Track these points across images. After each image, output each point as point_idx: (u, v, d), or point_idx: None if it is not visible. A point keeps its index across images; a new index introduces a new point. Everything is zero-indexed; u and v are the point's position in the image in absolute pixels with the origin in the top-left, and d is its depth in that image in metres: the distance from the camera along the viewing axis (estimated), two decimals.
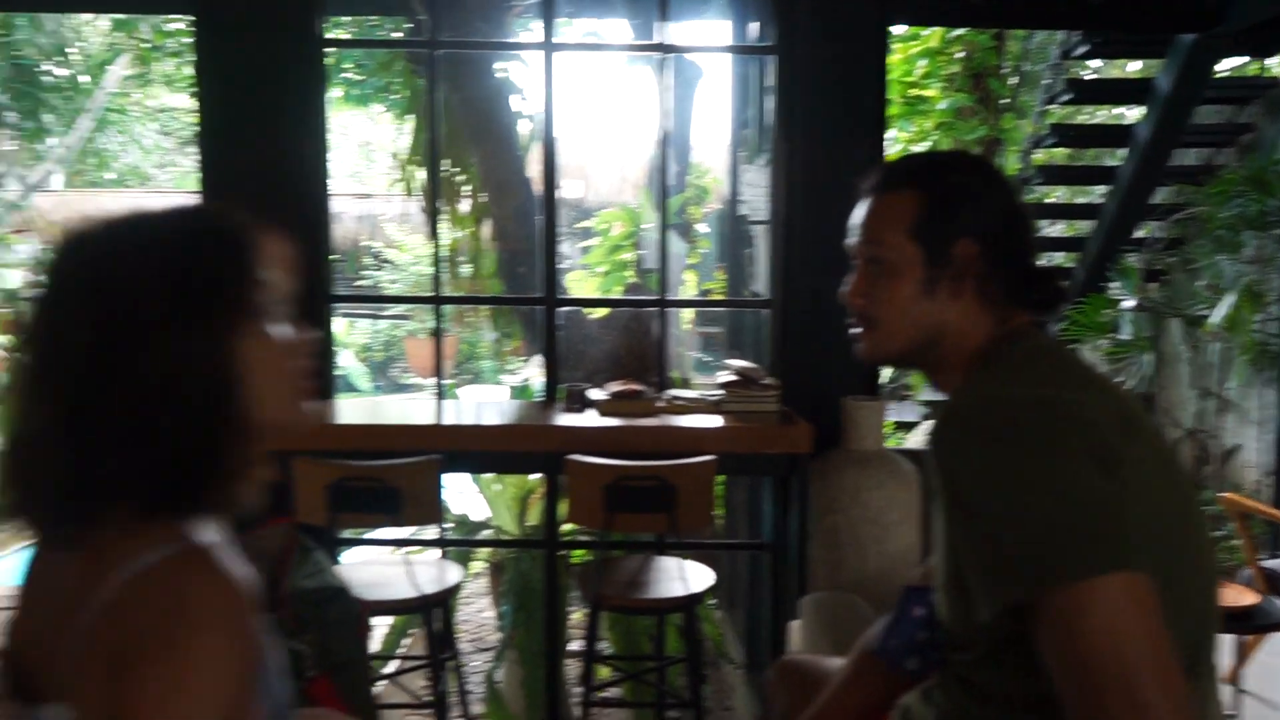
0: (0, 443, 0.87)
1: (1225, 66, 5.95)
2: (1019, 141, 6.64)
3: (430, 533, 3.30)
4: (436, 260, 3.38)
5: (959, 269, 1.18)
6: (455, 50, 3.68)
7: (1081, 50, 5.15)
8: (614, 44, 5.49)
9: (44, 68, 8.79)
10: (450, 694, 2.84)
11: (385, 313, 11.90)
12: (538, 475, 3.64)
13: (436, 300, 3.38)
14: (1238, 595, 2.70)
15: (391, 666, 3.27)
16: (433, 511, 2.68)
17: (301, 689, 2.06)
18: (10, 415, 0.86)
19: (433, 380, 3.48)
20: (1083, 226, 6.12)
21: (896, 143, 6.83)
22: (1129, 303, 5.60)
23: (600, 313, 4.15)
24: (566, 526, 3.20)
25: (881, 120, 3.06)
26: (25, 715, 0.83)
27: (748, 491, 3.88)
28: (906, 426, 6.58)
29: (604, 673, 3.36)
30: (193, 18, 3.10)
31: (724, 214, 5.85)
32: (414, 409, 3.37)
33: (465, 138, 4.05)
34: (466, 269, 4.35)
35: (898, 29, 6.29)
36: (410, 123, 4.22)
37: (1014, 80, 6.99)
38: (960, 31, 6.59)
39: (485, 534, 3.92)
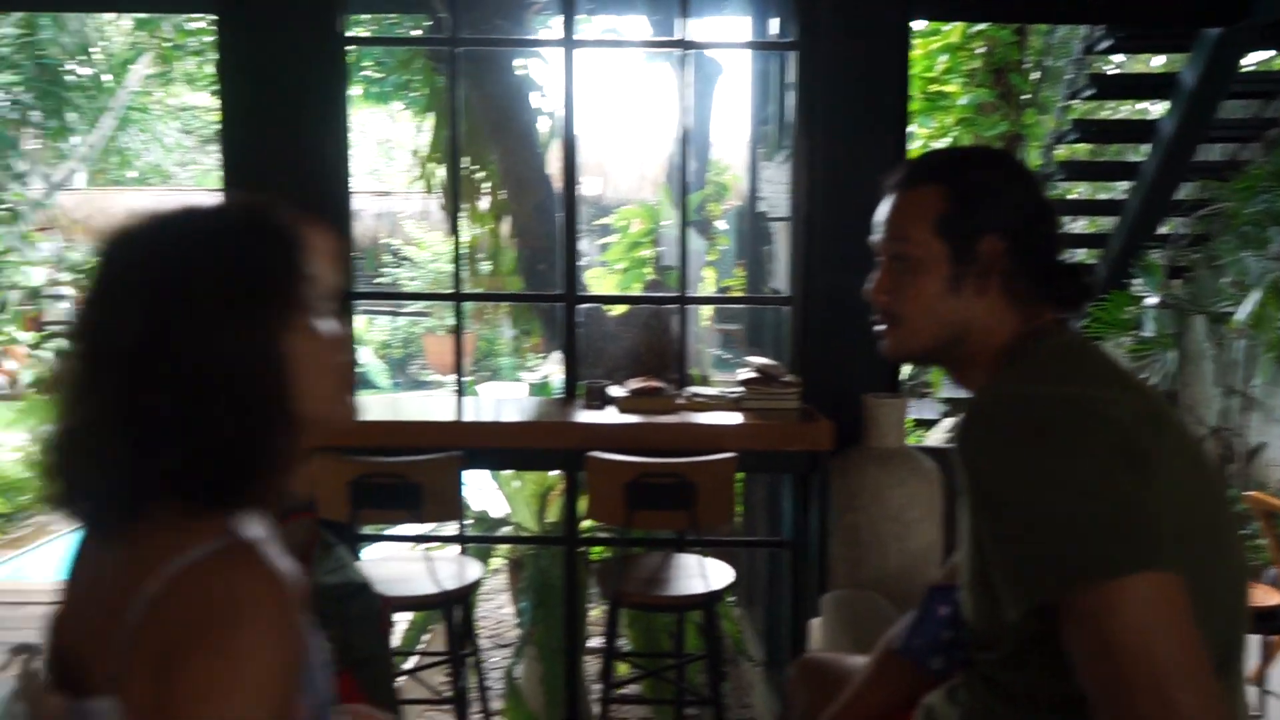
0: (49, 434, 0.87)
1: (1251, 60, 5.87)
2: (1040, 137, 6.60)
3: (450, 529, 3.31)
4: (457, 257, 3.39)
5: (985, 265, 1.17)
6: (475, 47, 3.69)
7: (1104, 45, 5.10)
8: (634, 40, 5.50)
9: (68, 67, 8.86)
10: (470, 690, 2.85)
11: (404, 310, 11.96)
12: (557, 472, 3.64)
13: (457, 297, 3.39)
14: (1263, 595, 2.67)
15: (411, 662, 3.28)
16: (453, 508, 2.69)
17: None
18: (58, 407, 0.87)
19: (451, 377, 3.49)
20: (1105, 223, 6.07)
21: (916, 139, 6.79)
22: (1152, 300, 5.55)
23: (619, 310, 4.15)
24: (585, 523, 3.20)
25: (903, 116, 3.04)
26: (72, 708, 0.83)
27: (767, 489, 3.87)
28: (926, 424, 6.55)
29: (623, 669, 3.36)
30: (215, 16, 3.12)
31: (743, 211, 5.84)
32: (434, 406, 3.38)
33: (485, 135, 4.06)
34: (486, 266, 4.36)
35: (918, 24, 6.26)
36: (430, 120, 4.23)
37: (1036, 75, 6.94)
38: (981, 26, 6.56)
39: (505, 531, 3.93)
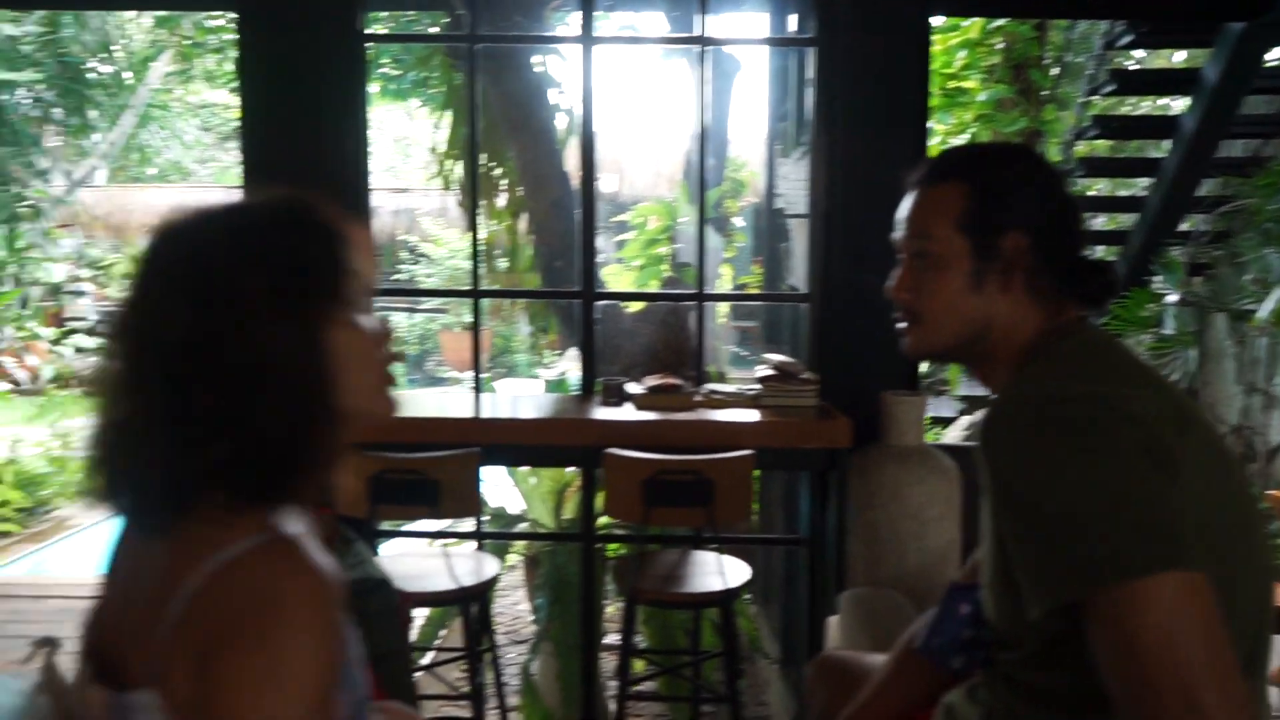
0: (93, 428, 0.87)
1: (1275, 55, 5.82)
2: (1060, 133, 6.55)
3: (466, 525, 3.32)
4: (475, 254, 3.39)
5: (1008, 262, 1.16)
6: (494, 44, 3.70)
7: (1126, 40, 5.06)
8: (652, 37, 5.50)
9: (89, 65, 8.92)
10: (486, 685, 2.86)
11: (421, 306, 11.99)
12: (573, 469, 3.64)
13: (475, 294, 3.39)
14: None
15: (428, 658, 3.29)
16: (472, 504, 2.70)
17: None
18: (101, 401, 0.87)
19: (467, 373, 3.49)
20: (1125, 219, 6.02)
21: (934, 135, 6.76)
22: (1172, 297, 5.50)
23: (636, 306, 4.15)
24: (602, 520, 3.20)
25: (923, 113, 3.03)
26: (112, 701, 0.83)
27: (783, 486, 3.87)
28: (944, 422, 6.53)
29: (639, 666, 3.37)
30: (235, 14, 3.14)
31: (760, 208, 5.83)
32: (451, 402, 3.39)
33: (503, 132, 4.07)
34: (503, 263, 4.37)
35: (937, 20, 6.23)
36: (448, 117, 4.24)
37: (1055, 71, 6.89)
38: (1001, 22, 6.52)
39: (521, 527, 3.93)
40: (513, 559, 4.76)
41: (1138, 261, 5.54)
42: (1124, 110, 7.04)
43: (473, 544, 3.24)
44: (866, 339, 2.85)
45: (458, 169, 4.17)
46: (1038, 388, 1.09)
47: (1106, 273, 1.20)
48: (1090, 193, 6.90)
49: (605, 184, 11.27)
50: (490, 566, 2.77)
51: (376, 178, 13.02)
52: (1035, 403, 1.05)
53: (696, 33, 3.27)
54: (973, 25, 6.59)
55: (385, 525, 3.06)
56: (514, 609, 4.99)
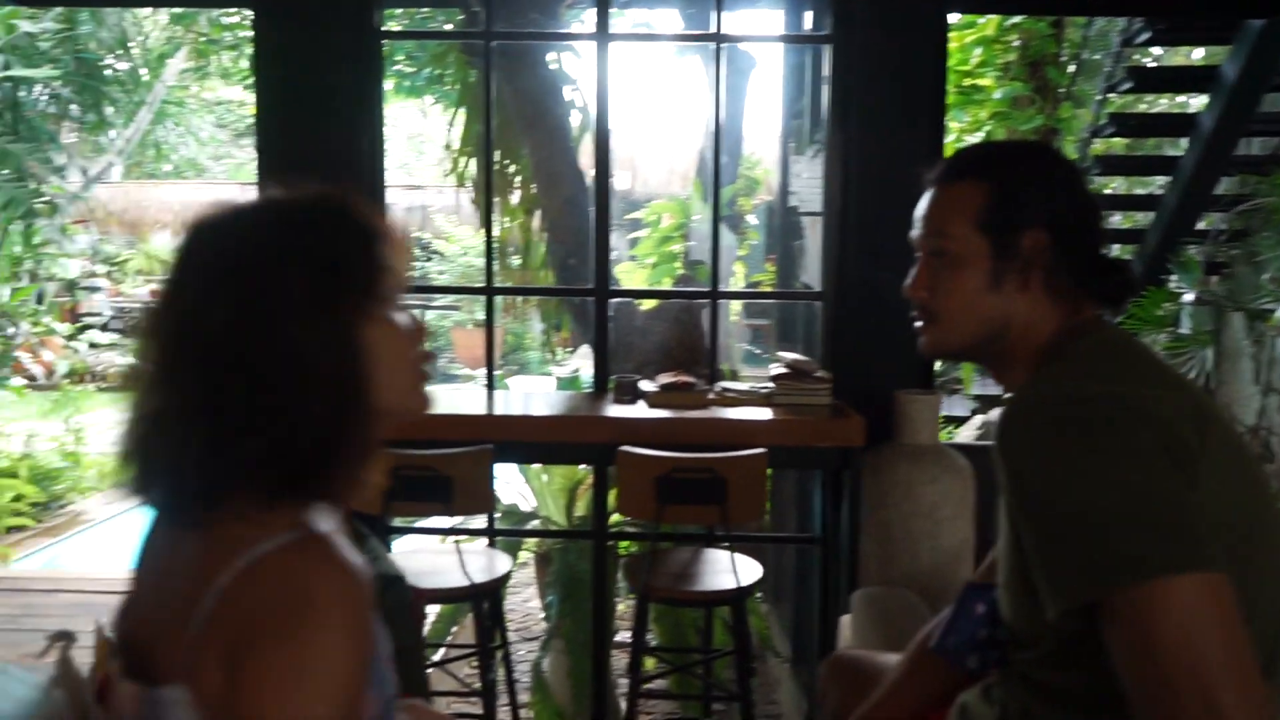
0: (126, 421, 0.87)
1: None
2: (1076, 131, 6.51)
3: (479, 522, 3.32)
4: (489, 251, 3.39)
5: (1026, 261, 1.16)
6: (509, 41, 3.70)
7: (1144, 37, 5.03)
8: (667, 34, 5.49)
9: (106, 61, 8.96)
10: (498, 682, 2.86)
11: (433, 303, 12.01)
12: (585, 466, 3.64)
13: (488, 291, 3.39)
14: None
15: (440, 654, 3.30)
16: (485, 501, 2.70)
17: None
18: (137, 395, 0.87)
19: (479, 371, 3.49)
20: (1142, 218, 5.98)
21: (950, 133, 6.73)
22: (1189, 296, 5.46)
23: (649, 304, 4.15)
24: (614, 517, 3.20)
25: (940, 110, 3.01)
26: (142, 696, 0.83)
27: (795, 485, 3.86)
28: (957, 421, 6.50)
29: (650, 664, 3.36)
30: (251, 11, 3.15)
31: (774, 205, 5.82)
32: (464, 399, 3.39)
33: (517, 129, 4.07)
34: (516, 260, 4.37)
35: (953, 17, 6.20)
36: (462, 114, 4.24)
37: (1072, 68, 6.85)
38: (1017, 19, 6.48)
39: (533, 524, 3.94)
40: (524, 556, 4.77)
41: (1154, 260, 5.50)
42: (1141, 108, 7.00)
43: (485, 541, 3.25)
44: (880, 337, 2.84)
45: (471, 166, 4.17)
46: (1055, 387, 1.08)
47: (1125, 271, 1.19)
48: (1107, 191, 6.86)
49: (619, 181, 11.26)
50: (502, 563, 2.77)
51: (390, 174, 13.06)
52: (1053, 402, 1.04)
53: (711, 29, 3.26)
54: (989, 22, 6.56)
55: (398, 521, 3.06)
56: (525, 606, 5.00)
